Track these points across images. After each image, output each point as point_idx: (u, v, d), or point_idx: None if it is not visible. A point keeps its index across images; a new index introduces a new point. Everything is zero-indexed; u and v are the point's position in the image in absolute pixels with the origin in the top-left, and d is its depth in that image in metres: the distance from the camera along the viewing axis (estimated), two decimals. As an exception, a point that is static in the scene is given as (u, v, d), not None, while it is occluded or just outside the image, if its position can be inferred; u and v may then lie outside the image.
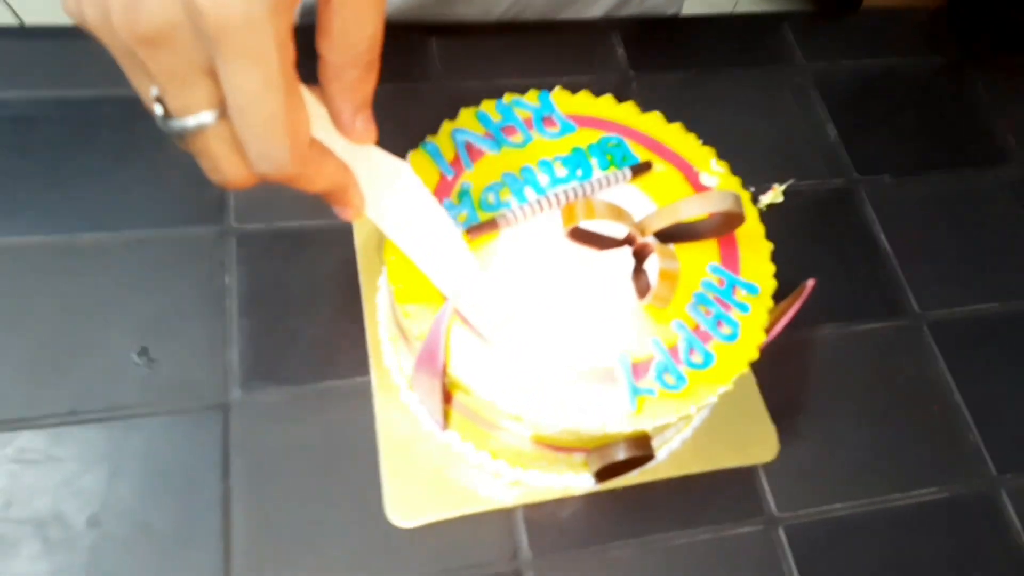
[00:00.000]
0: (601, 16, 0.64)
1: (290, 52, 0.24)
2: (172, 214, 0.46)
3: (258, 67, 0.23)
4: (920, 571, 0.42)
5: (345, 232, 0.47)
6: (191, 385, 0.42)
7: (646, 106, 0.43)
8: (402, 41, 0.55)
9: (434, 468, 0.41)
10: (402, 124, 0.42)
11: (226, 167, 0.27)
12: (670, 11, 0.70)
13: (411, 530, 0.40)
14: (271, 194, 0.48)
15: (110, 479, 0.39)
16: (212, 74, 0.24)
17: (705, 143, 0.42)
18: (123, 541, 0.37)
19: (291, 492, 0.40)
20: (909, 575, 0.42)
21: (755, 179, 0.53)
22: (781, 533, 0.42)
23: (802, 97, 0.58)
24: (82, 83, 0.49)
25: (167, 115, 0.25)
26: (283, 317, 0.44)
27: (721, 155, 0.42)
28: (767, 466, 0.44)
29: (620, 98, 0.43)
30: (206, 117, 0.25)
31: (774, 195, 0.52)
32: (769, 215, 0.52)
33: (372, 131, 0.30)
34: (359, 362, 0.43)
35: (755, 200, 0.52)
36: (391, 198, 0.32)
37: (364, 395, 0.43)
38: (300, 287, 0.45)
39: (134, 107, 0.28)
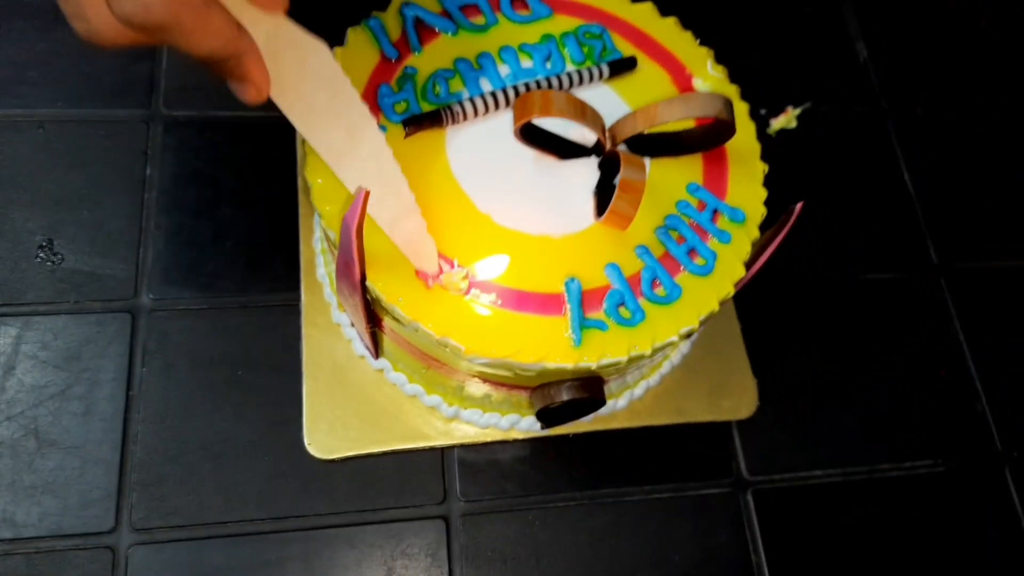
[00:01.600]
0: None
1: None
2: (95, 92, 0.41)
3: None
4: (908, 551, 0.37)
5: (289, 125, 0.41)
6: (98, 282, 0.37)
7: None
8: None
9: (363, 397, 0.37)
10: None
11: (92, 8, 0.22)
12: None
13: (330, 462, 0.35)
14: (205, 76, 0.42)
15: (3, 376, 0.35)
16: None
17: (706, 44, 0.36)
18: (11, 445, 0.33)
19: (200, 409, 0.35)
20: (894, 555, 0.37)
21: (767, 98, 0.46)
22: (749, 498, 0.37)
23: (832, 7, 0.51)
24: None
25: None
26: (208, 216, 0.39)
27: (728, 64, 0.35)
28: (742, 423, 0.39)
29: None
30: None
31: (787, 119, 0.46)
32: (779, 141, 0.46)
33: None
34: (289, 274, 0.38)
35: (766, 124, 0.46)
36: (303, 84, 0.27)
37: (292, 311, 0.38)
38: (231, 184, 0.40)
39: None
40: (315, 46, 0.26)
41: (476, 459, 0.36)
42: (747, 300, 0.40)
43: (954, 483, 0.39)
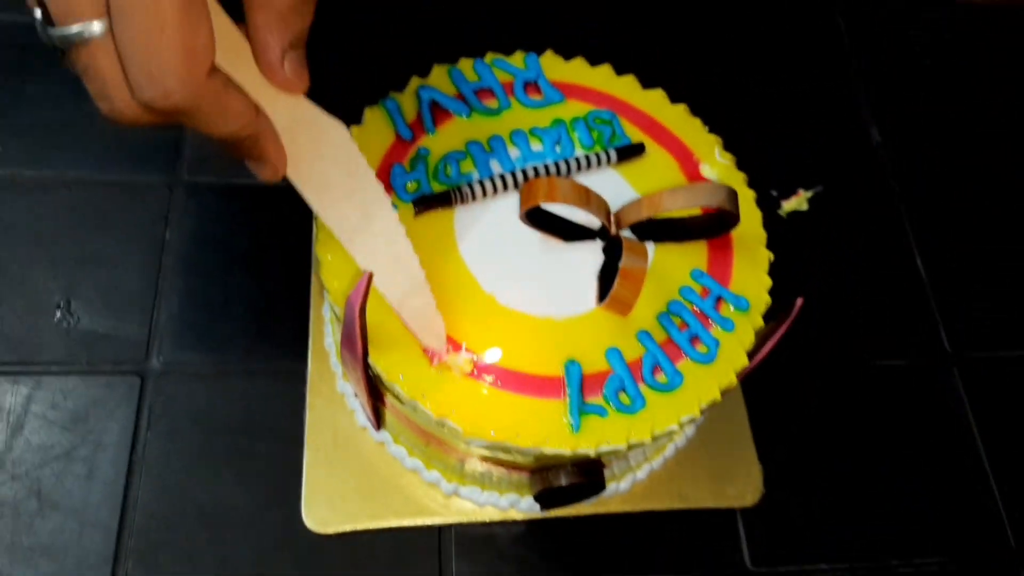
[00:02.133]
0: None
1: None
2: (120, 156, 0.42)
3: None
4: (913, 653, 0.36)
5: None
6: (111, 344, 0.38)
7: (662, 78, 0.37)
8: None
9: (363, 470, 0.37)
10: (367, 73, 0.38)
11: (115, 91, 0.23)
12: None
13: (328, 536, 0.35)
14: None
15: (11, 435, 0.35)
16: None
17: (719, 131, 0.36)
18: (13, 505, 0.34)
19: (202, 475, 0.36)
20: (900, 656, 0.36)
21: (778, 180, 0.47)
22: (752, 589, 0.36)
23: (842, 91, 0.51)
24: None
25: (48, 21, 0.22)
26: (222, 281, 0.40)
27: (740, 149, 0.36)
28: (747, 511, 0.38)
29: (633, 67, 0.37)
30: (93, 27, 0.22)
31: (798, 201, 0.46)
32: (790, 223, 0.46)
33: (303, 78, 0.26)
34: (297, 340, 0.39)
35: (777, 205, 0.46)
36: (319, 162, 0.27)
37: (298, 378, 0.38)
38: (246, 250, 0.41)
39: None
40: (332, 125, 0.27)
41: (473, 538, 0.36)
42: (754, 383, 0.40)
43: (966, 582, 0.38)
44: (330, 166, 0.28)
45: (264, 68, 0.25)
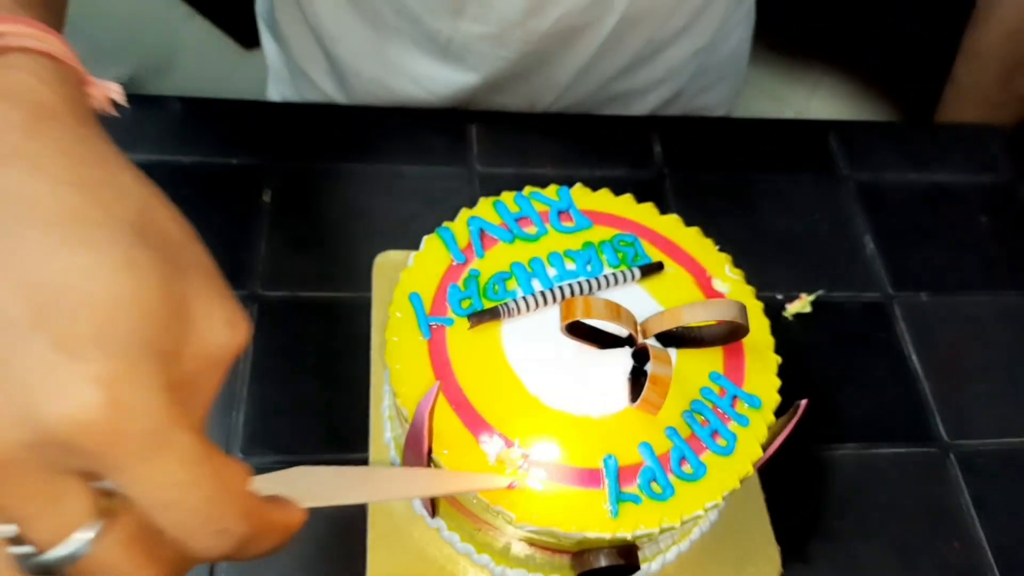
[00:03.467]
0: (646, 113, 0.65)
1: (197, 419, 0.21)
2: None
3: (169, 461, 0.19)
4: None
5: (364, 306, 0.48)
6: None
7: (676, 204, 0.43)
8: (441, 124, 0.57)
9: (419, 553, 0.41)
10: (430, 204, 0.44)
11: (131, 571, 0.21)
12: (719, 112, 0.71)
13: (388, 615, 0.39)
14: (297, 263, 0.50)
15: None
16: (84, 477, 0.19)
17: (734, 246, 0.42)
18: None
19: (277, 563, 0.40)
20: None
21: (784, 287, 0.52)
22: (776, 664, 0.40)
23: (842, 207, 0.57)
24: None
25: (38, 551, 0.19)
26: (291, 385, 0.45)
27: (749, 260, 0.41)
28: (767, 588, 0.42)
29: (651, 195, 0.43)
30: (93, 529, 0.20)
31: (802, 304, 0.51)
32: (795, 325, 0.51)
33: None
34: (360, 437, 0.44)
35: (782, 308, 0.51)
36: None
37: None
38: (313, 358, 0.46)
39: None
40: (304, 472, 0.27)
41: (520, 617, 0.40)
42: (770, 472, 0.44)
43: (974, 657, 0.41)
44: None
45: None
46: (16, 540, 0.19)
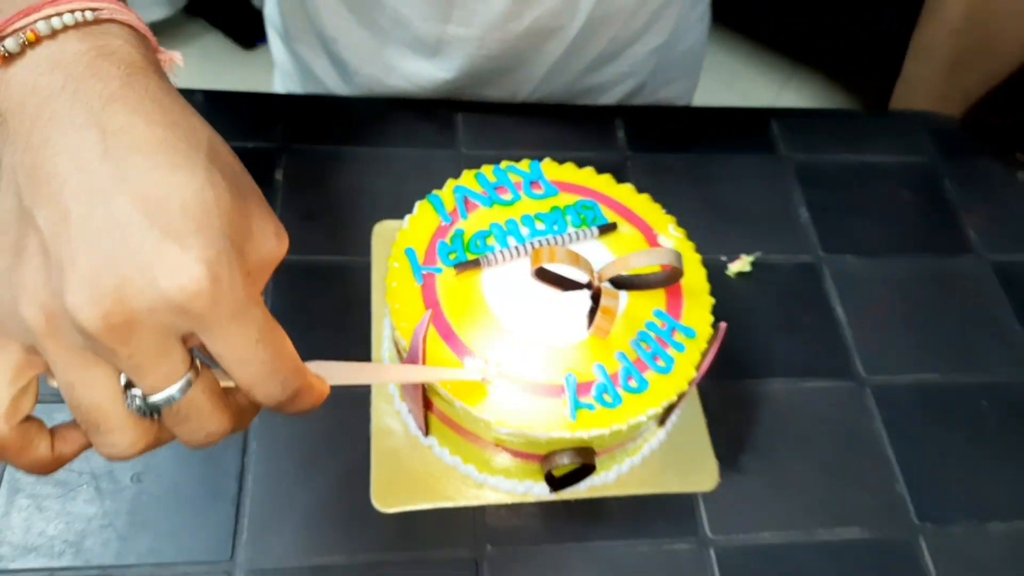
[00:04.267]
0: (614, 103, 0.73)
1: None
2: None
3: (249, 324, 0.26)
4: (839, 602, 0.47)
5: (364, 268, 0.56)
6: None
7: (638, 182, 0.51)
8: (432, 114, 0.65)
9: (416, 467, 0.49)
10: (423, 181, 0.52)
11: (213, 420, 0.28)
12: (681, 103, 0.79)
13: (390, 515, 0.47)
14: (306, 232, 0.58)
15: (152, 449, 0.48)
16: (183, 339, 0.26)
17: (687, 216, 0.50)
18: (158, 496, 0.46)
19: (295, 475, 0.48)
20: (828, 604, 0.47)
21: (728, 249, 0.61)
22: (711, 553, 0.48)
23: (780, 183, 0.66)
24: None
25: (145, 395, 0.27)
26: (303, 334, 0.53)
27: (699, 227, 0.50)
28: (706, 494, 0.50)
29: (616, 173, 0.51)
30: (187, 379, 0.27)
31: (742, 264, 0.60)
32: (738, 281, 0.60)
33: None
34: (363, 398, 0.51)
35: (725, 268, 0.59)
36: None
37: (364, 403, 0.51)
38: (321, 312, 0.54)
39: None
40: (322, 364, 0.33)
41: (500, 515, 0.48)
42: (711, 402, 0.53)
43: (877, 549, 0.49)
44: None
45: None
46: (128, 386, 0.27)
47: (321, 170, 0.62)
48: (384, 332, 0.54)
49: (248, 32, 1.57)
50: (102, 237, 0.25)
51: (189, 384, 0.27)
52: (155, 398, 0.27)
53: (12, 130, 0.27)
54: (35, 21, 0.28)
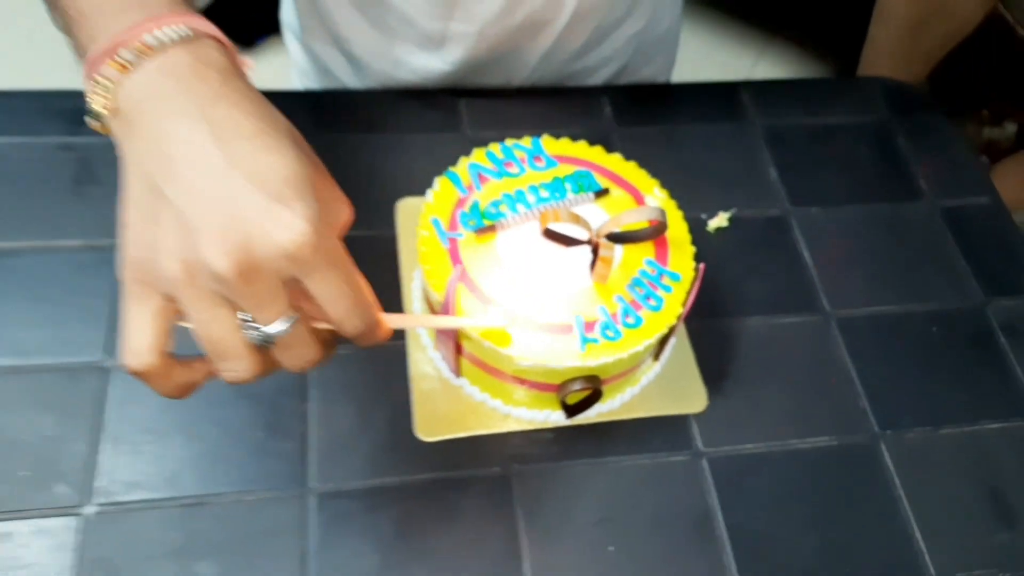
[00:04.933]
0: (600, 84, 0.81)
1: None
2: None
3: (340, 269, 0.35)
4: (810, 499, 0.56)
5: (390, 240, 0.64)
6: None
7: (625, 152, 0.59)
8: (438, 102, 0.73)
9: (450, 402, 0.57)
10: (434, 162, 0.60)
11: (311, 349, 0.37)
12: (660, 80, 0.88)
13: (431, 443, 0.55)
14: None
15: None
16: (286, 283, 0.34)
17: (669, 179, 0.58)
18: (236, 438, 0.54)
19: (349, 415, 0.56)
20: (802, 501, 0.56)
21: (707, 207, 0.69)
22: (704, 463, 0.57)
23: (751, 147, 0.74)
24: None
25: (261, 328, 0.35)
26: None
27: (680, 189, 0.58)
28: (697, 415, 0.59)
29: (604, 145, 0.59)
30: (294, 317, 0.35)
31: (720, 220, 0.68)
32: (717, 235, 0.68)
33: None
34: (398, 333, 0.60)
35: (705, 224, 0.68)
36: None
37: (401, 354, 0.59)
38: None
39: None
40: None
41: (523, 440, 0.57)
42: (698, 338, 0.61)
43: (845, 453, 0.58)
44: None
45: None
46: (246, 323, 0.35)
47: (342, 157, 0.69)
48: (413, 293, 0.62)
49: (247, 31, 1.63)
50: (226, 205, 0.33)
51: (294, 320, 0.35)
52: (269, 329, 0.35)
53: (135, 126, 0.35)
54: (144, 36, 0.35)
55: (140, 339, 0.35)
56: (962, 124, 1.58)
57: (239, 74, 0.37)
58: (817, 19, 1.79)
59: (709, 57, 1.77)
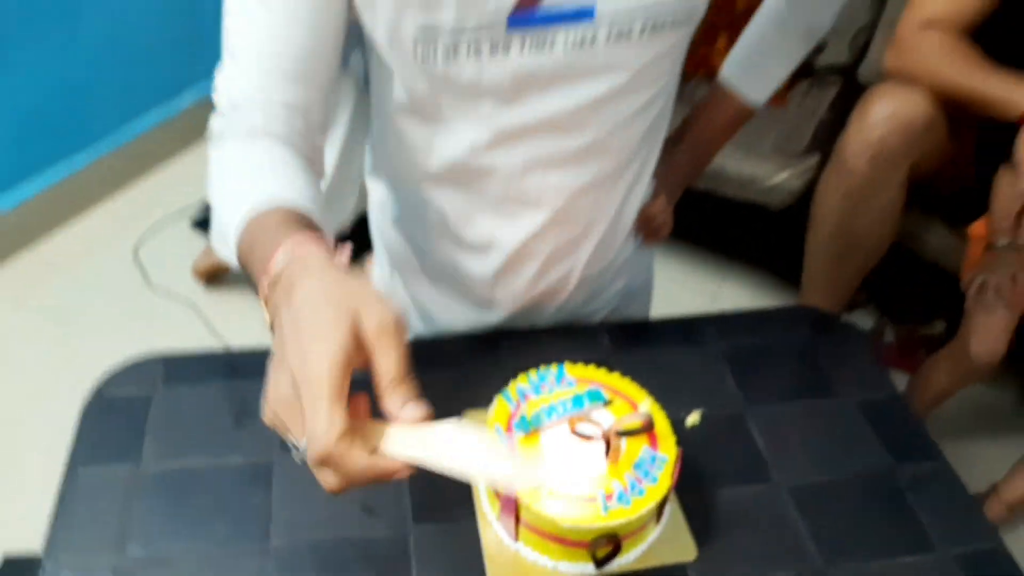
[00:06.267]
0: (598, 322, 1.10)
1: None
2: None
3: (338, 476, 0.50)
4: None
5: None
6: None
7: (622, 371, 0.86)
8: (484, 343, 1.01)
9: (510, 562, 0.79)
10: (482, 385, 0.86)
11: (326, 475, 0.51)
12: (642, 315, 1.17)
13: (499, 593, 0.76)
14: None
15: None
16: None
17: (651, 390, 0.84)
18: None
19: None
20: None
21: (684, 408, 0.95)
22: (699, 598, 0.77)
23: (714, 363, 1.01)
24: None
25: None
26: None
27: (662, 396, 0.84)
28: (690, 563, 0.80)
29: (607, 368, 0.86)
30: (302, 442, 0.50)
31: (694, 418, 0.94)
32: (692, 429, 0.93)
33: (420, 411, 0.53)
34: (469, 514, 0.82)
35: (683, 420, 0.94)
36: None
37: (474, 530, 0.81)
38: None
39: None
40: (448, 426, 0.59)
41: (566, 589, 0.78)
42: (684, 495, 0.84)
43: (802, 587, 0.79)
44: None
45: (393, 416, 0.54)
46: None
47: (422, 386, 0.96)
48: (482, 484, 0.85)
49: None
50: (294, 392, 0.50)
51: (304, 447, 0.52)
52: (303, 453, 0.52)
53: (274, 306, 0.56)
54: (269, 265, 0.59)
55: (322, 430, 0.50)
56: (895, 328, 1.88)
57: (333, 263, 0.55)
58: (769, 248, 2.16)
59: (682, 283, 2.12)
